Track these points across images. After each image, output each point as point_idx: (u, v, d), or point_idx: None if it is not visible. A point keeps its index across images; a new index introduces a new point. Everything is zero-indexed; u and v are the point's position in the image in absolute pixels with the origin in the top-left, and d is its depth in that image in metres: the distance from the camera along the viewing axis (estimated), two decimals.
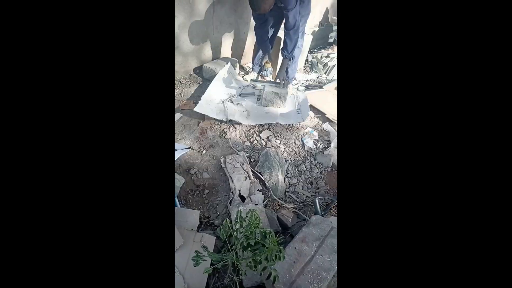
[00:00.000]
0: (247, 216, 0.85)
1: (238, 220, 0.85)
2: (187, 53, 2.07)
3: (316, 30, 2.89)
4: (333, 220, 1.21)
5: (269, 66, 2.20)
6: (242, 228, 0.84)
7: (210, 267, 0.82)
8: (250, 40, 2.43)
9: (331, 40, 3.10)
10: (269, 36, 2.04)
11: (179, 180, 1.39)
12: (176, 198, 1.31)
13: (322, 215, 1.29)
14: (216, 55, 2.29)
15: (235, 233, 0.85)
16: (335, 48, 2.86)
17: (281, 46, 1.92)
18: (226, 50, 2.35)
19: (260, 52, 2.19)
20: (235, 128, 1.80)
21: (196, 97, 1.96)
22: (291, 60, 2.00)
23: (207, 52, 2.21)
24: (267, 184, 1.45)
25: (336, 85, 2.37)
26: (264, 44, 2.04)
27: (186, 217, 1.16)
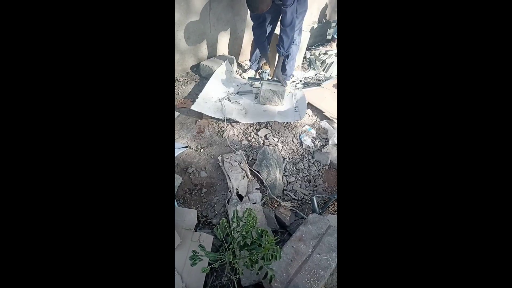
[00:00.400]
0: (243, 216, 0.85)
1: (235, 220, 0.85)
2: (184, 51, 2.06)
3: (314, 27, 2.88)
4: (330, 218, 1.21)
5: (266, 68, 2.19)
6: (238, 227, 0.85)
7: (207, 266, 0.82)
8: (248, 37, 2.41)
9: (329, 37, 3.08)
10: (267, 35, 2.03)
11: (176, 179, 1.39)
12: None
13: (319, 213, 1.29)
14: (213, 53, 2.27)
15: (232, 232, 0.85)
16: (333, 45, 2.84)
17: (278, 42, 1.91)
18: (223, 47, 2.33)
19: (258, 50, 2.17)
20: (233, 126, 1.80)
21: (193, 96, 1.95)
22: (287, 57, 1.98)
23: (204, 49, 2.19)
24: (265, 182, 1.45)
25: (334, 83, 2.36)
26: (262, 44, 2.02)
27: (184, 216, 1.16)
